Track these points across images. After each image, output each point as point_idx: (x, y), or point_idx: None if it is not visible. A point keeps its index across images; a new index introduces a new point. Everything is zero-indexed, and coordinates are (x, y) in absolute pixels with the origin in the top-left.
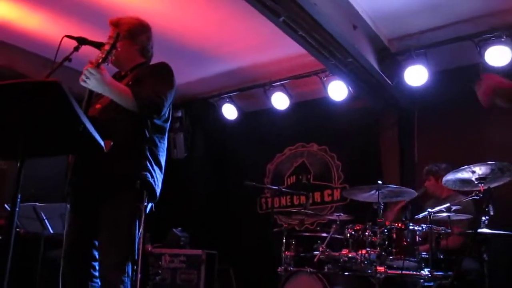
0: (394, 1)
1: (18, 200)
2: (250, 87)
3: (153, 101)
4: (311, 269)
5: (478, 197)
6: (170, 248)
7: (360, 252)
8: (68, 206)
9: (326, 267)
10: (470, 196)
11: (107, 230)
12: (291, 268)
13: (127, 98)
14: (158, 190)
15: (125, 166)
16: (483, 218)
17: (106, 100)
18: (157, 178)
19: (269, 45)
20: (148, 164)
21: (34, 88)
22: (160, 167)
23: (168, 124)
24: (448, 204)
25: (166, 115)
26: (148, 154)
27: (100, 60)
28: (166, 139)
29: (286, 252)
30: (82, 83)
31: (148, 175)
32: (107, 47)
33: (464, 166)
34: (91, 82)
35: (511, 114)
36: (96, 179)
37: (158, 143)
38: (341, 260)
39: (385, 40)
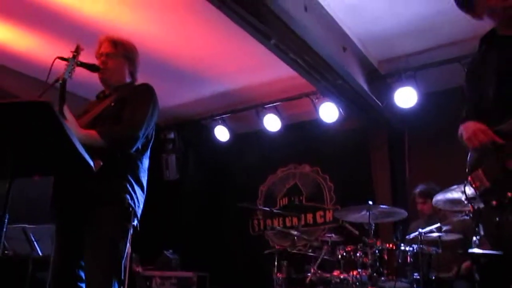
0: (384, 24)
1: (6, 221)
2: (242, 109)
3: (125, 137)
4: None
5: (468, 217)
6: (161, 270)
7: (351, 273)
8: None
9: None
10: (460, 216)
11: (91, 250)
12: None
13: (95, 140)
14: (139, 210)
15: (105, 185)
16: (474, 238)
17: (84, 121)
18: (138, 197)
19: (260, 67)
20: (128, 184)
21: (25, 107)
22: (141, 186)
23: (151, 143)
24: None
25: (150, 135)
26: (129, 173)
27: (64, 76)
28: (148, 157)
29: (278, 274)
30: None
31: (128, 196)
32: (68, 63)
33: (454, 186)
34: None
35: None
36: (77, 199)
37: (139, 162)
38: (333, 281)
39: (374, 62)
